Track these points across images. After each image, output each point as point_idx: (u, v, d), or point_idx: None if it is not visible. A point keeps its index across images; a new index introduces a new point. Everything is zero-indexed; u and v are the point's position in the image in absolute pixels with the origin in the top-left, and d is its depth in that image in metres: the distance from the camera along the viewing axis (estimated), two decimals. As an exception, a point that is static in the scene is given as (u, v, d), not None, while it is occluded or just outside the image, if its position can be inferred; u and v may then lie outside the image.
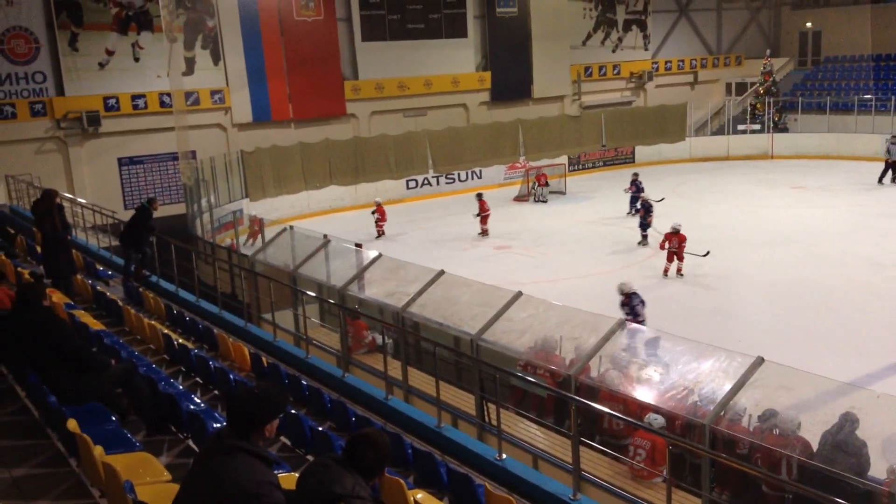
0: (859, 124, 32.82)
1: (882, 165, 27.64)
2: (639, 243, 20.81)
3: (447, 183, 30.19)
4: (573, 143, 31.76)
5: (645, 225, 20.84)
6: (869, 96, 34.23)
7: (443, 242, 21.56)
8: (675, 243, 17.88)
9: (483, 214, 22.53)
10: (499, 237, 22.49)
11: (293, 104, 28.96)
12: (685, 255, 18.14)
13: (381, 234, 22.96)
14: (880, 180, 27.47)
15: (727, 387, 7.56)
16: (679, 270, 18.03)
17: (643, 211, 21.03)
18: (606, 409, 8.23)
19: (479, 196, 22.95)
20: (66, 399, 6.59)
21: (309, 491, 4.00)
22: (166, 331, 10.41)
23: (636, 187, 23.67)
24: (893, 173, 27.42)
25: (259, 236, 21.06)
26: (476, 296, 11.85)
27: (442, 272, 11.32)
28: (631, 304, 13.61)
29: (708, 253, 18.71)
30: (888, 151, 27.55)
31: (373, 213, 23.30)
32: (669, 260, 17.98)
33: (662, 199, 22.76)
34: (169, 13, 25.09)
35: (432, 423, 8.87)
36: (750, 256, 19.28)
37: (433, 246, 21.41)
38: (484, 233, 22.58)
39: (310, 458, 7.20)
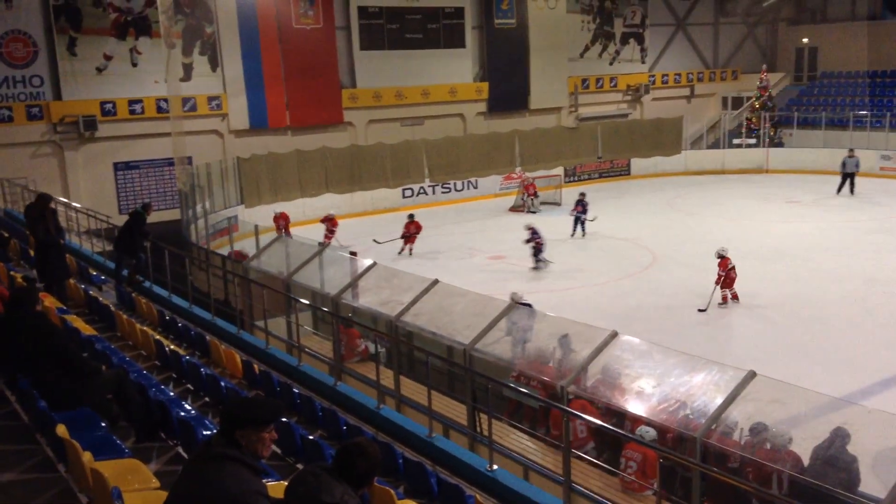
0: (854, 140, 32.91)
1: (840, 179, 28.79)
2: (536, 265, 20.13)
3: (443, 192, 30.23)
4: (569, 155, 31.85)
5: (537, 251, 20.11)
6: (864, 112, 34.34)
7: (438, 252, 21.57)
8: (724, 269, 16.57)
9: (406, 234, 21.98)
10: (493, 248, 22.50)
11: (290, 111, 28.98)
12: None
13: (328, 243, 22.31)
14: (838, 192, 28.50)
15: (719, 400, 7.56)
16: (733, 297, 16.75)
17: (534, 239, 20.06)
18: (598, 421, 8.23)
19: (411, 217, 22.44)
20: (56, 404, 6.56)
21: (297, 500, 3.98)
22: (158, 337, 10.38)
23: (582, 207, 23.06)
24: (850, 184, 28.49)
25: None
26: (470, 305, 11.85)
27: (436, 281, 11.32)
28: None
29: (595, 218, 20.16)
30: (843, 165, 28.67)
31: (323, 221, 23.15)
32: (722, 285, 16.64)
33: (595, 219, 22.95)
34: (168, 19, 25.11)
35: (424, 433, 8.85)
36: (744, 270, 19.21)
37: (428, 255, 21.42)
38: (403, 251, 21.93)
39: (300, 466, 7.17)
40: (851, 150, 29.29)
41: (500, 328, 9.93)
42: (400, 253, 21.73)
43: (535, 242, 20.04)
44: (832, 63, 39.15)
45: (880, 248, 21.00)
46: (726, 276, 16.55)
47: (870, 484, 7.18)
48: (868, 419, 7.68)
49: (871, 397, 11.79)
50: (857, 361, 13.58)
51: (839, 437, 7.42)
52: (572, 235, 23.17)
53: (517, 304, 13.62)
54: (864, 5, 38.42)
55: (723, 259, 16.67)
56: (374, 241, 22.14)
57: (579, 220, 23.12)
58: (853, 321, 15.64)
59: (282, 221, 22.67)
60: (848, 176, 28.59)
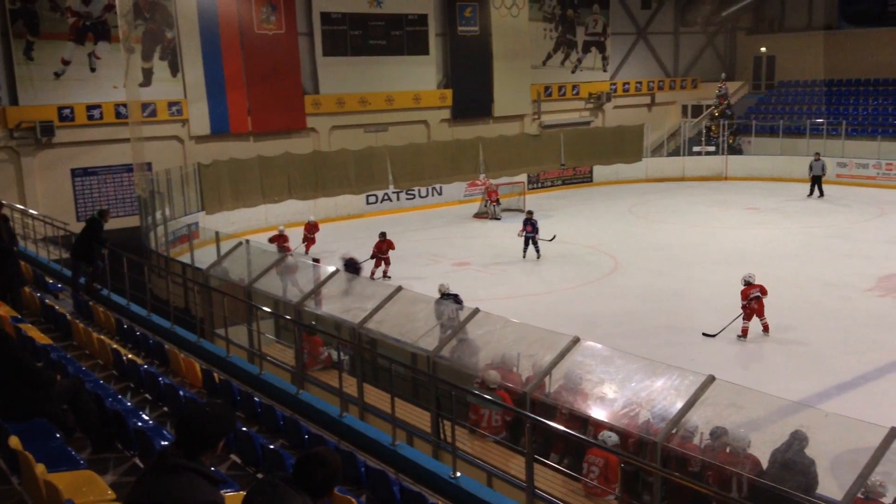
0: (811, 147, 33.55)
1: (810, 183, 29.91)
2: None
3: (408, 199, 30.19)
4: (532, 162, 32.04)
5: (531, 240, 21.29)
6: (821, 120, 35.05)
7: (402, 259, 21.48)
8: (750, 296, 15.08)
9: (378, 256, 20.05)
10: (458, 254, 22.51)
11: (252, 117, 28.76)
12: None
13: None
14: (809, 195, 29.55)
15: (679, 405, 7.62)
16: (744, 331, 15.12)
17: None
18: (561, 427, 8.26)
19: (383, 236, 20.31)
20: (10, 415, 6.42)
21: (256, 510, 3.92)
22: (116, 346, 10.21)
23: (532, 227, 21.49)
24: (819, 188, 29.53)
25: (312, 245, 21.87)
26: (434, 312, 11.84)
27: (399, 288, 11.28)
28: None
29: (554, 237, 19.38)
30: (811, 168, 29.77)
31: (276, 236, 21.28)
32: (747, 318, 15.10)
33: (553, 238, 21.87)
34: (127, 23, 24.78)
35: (387, 440, 8.80)
36: (704, 276, 19.55)
37: (392, 262, 21.33)
38: (374, 274, 19.94)
39: (260, 476, 7.09)
40: (817, 154, 30.20)
41: (431, 319, 9.87)
42: (372, 276, 19.58)
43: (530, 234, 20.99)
44: (789, 72, 39.91)
45: (836, 253, 21.41)
46: (747, 307, 15.05)
47: (827, 486, 7.29)
48: (825, 422, 7.80)
49: (828, 401, 12.00)
50: (815, 365, 13.81)
51: (797, 440, 7.53)
52: (524, 257, 21.58)
53: (444, 294, 13.88)
54: (820, 15, 39.24)
55: (746, 286, 15.15)
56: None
57: (530, 241, 21.49)
58: (811, 326, 15.91)
59: (283, 241, 21.26)
60: (816, 179, 29.57)
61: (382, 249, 20.11)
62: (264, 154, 26.90)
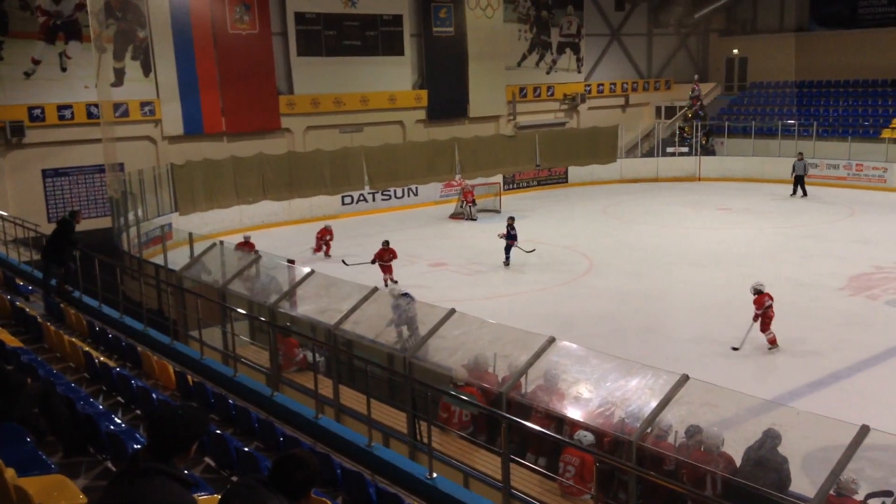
0: (783, 148, 33.98)
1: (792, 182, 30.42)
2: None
3: (383, 199, 30.14)
4: (508, 163, 32.10)
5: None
6: (792, 121, 35.46)
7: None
8: (765, 304, 14.55)
9: (381, 262, 19.32)
10: (434, 255, 22.51)
11: (226, 117, 28.55)
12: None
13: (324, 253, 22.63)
14: (793, 194, 30.09)
15: (653, 404, 7.68)
16: (770, 341, 14.53)
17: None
18: (537, 427, 8.28)
19: (386, 244, 19.60)
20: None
21: (232, 513, 3.89)
22: (87, 348, 10.09)
23: (508, 234, 20.97)
24: (801, 188, 30.04)
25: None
26: (392, 313, 11.81)
27: (375, 289, 11.27)
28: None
29: (533, 250, 19.06)
30: (794, 168, 30.26)
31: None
32: (765, 327, 14.57)
33: (533, 251, 21.18)
34: (98, 23, 24.49)
35: (363, 442, 8.77)
36: (678, 276, 19.70)
37: (368, 263, 21.27)
38: (387, 281, 19.12)
39: (235, 479, 7.03)
40: (800, 154, 30.72)
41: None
42: (387, 286, 18.28)
43: (508, 240, 20.69)
44: (761, 73, 40.34)
45: (808, 253, 21.66)
46: (763, 316, 14.47)
47: (800, 484, 7.37)
48: (797, 421, 7.89)
49: (800, 399, 12.13)
50: (788, 364, 13.96)
51: (770, 438, 7.60)
52: (507, 265, 20.96)
53: (399, 295, 13.63)
54: (792, 17, 39.71)
55: (759, 295, 14.60)
56: (343, 261, 20.92)
57: (510, 249, 21.01)
58: (783, 325, 16.05)
59: (328, 236, 22.68)
60: (799, 178, 30.11)
61: (383, 258, 19.29)
62: (238, 154, 26.72)
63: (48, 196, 25.70)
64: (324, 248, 22.76)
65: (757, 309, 14.53)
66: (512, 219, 21.65)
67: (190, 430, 3.84)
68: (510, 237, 20.99)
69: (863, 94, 36.74)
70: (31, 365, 8.54)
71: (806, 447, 7.93)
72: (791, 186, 30.31)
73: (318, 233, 23.03)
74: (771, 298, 14.60)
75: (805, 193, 29.99)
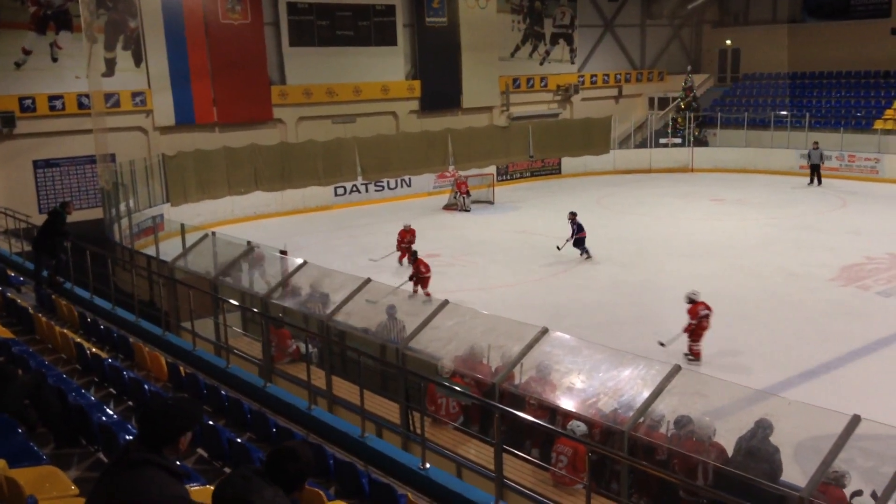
0: (775, 139, 34.05)
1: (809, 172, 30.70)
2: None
3: (376, 190, 30.09)
4: (501, 154, 32.04)
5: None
6: (784, 112, 35.49)
7: (371, 250, 21.43)
8: (699, 313, 13.60)
9: (420, 276, 17.34)
10: (428, 246, 22.46)
11: (218, 108, 28.41)
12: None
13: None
14: (810, 183, 30.34)
15: (645, 394, 7.69)
16: (694, 354, 13.66)
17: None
18: (529, 417, 8.29)
19: (415, 254, 18.14)
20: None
21: (226, 502, 3.88)
22: (79, 340, 10.07)
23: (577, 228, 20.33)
24: (817, 177, 30.32)
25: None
26: (402, 304, 11.82)
27: (368, 280, 11.25)
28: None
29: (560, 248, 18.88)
30: (809, 157, 30.63)
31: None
32: (696, 338, 13.72)
33: (560, 248, 20.19)
34: (89, 13, 24.30)
35: (356, 433, 8.78)
36: (670, 267, 19.73)
37: (361, 254, 21.27)
38: (418, 293, 17.01)
39: (227, 470, 7.03)
40: (816, 143, 30.92)
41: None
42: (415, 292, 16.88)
43: (579, 236, 20.04)
44: (754, 65, 40.35)
45: (800, 244, 21.71)
46: (698, 326, 13.59)
47: (791, 473, 7.40)
48: (789, 410, 7.91)
49: (792, 389, 12.17)
50: (779, 355, 14.01)
51: (762, 428, 7.63)
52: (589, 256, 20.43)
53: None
54: (784, 9, 39.68)
55: (693, 304, 13.68)
56: (371, 259, 20.27)
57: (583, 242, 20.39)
58: (775, 316, 16.13)
59: (408, 237, 20.27)
60: (814, 167, 30.37)
61: (421, 270, 17.43)
62: (230, 145, 26.62)
63: (39, 187, 25.57)
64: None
65: (691, 319, 13.49)
66: (573, 214, 20.61)
67: (178, 422, 3.82)
68: (578, 231, 20.23)
69: (855, 85, 36.79)
70: (23, 356, 8.51)
71: (797, 437, 7.96)
72: (808, 176, 30.52)
73: (399, 235, 20.56)
74: (708, 308, 13.55)
75: (819, 182, 30.19)
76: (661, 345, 13.65)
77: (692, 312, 13.58)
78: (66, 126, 25.52)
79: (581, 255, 20.47)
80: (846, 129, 33.18)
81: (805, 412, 7.70)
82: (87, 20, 24.15)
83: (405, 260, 19.69)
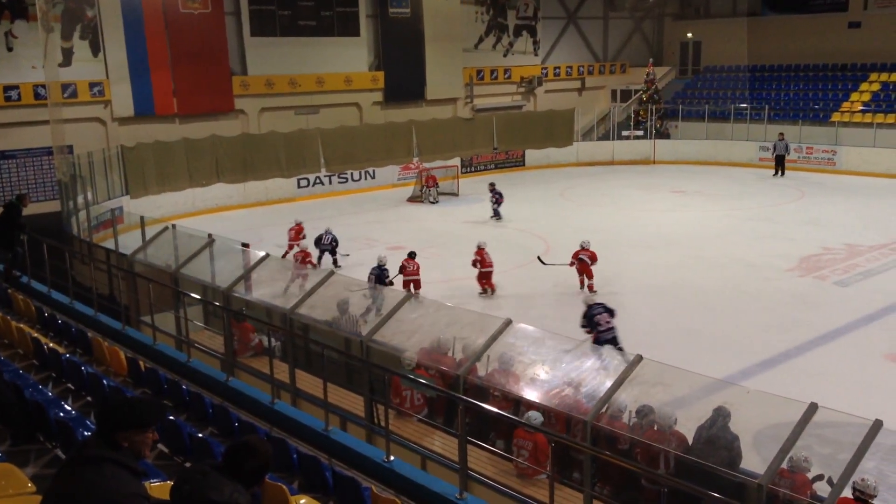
0: (735, 132, 34.50)
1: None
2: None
3: (340, 182, 29.93)
4: (465, 146, 32.08)
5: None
6: (744, 105, 35.99)
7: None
8: (580, 257, 17.06)
9: (485, 270, 17.42)
10: (392, 238, 22.42)
11: (178, 98, 28.02)
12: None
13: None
14: (775, 174, 30.92)
15: (608, 384, 7.76)
16: (487, 286, 17.11)
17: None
18: (494, 409, 8.31)
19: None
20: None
21: (184, 499, 3.84)
22: (36, 334, 9.89)
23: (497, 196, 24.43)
24: (781, 168, 30.93)
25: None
26: (366, 297, 11.78)
27: (332, 273, 11.21)
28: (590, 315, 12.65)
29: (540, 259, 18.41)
30: (774, 147, 31.19)
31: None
32: (580, 273, 17.31)
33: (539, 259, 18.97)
34: (45, 2, 23.81)
35: (320, 426, 8.73)
36: (633, 258, 19.91)
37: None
38: (487, 289, 17.35)
39: (189, 465, 6.95)
40: (781, 134, 31.41)
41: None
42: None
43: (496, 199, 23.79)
44: (715, 57, 40.81)
45: (758, 235, 22.04)
46: (574, 265, 17.21)
47: (751, 461, 7.52)
48: (747, 399, 8.03)
49: (751, 378, 12.36)
50: (738, 344, 14.22)
51: (721, 416, 7.73)
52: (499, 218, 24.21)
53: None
54: (744, 2, 40.17)
55: (580, 249, 17.22)
56: (540, 261, 19.25)
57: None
58: (735, 306, 16.36)
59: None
60: (779, 158, 30.90)
61: (486, 262, 17.48)
62: (191, 136, 26.28)
63: (-6, 179, 25.04)
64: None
65: (573, 258, 17.19)
66: (493, 184, 24.81)
67: (137, 415, 3.76)
68: (500, 198, 24.08)
69: (813, 78, 37.37)
70: (-23, 352, 8.34)
71: (756, 425, 8.09)
72: (772, 168, 31.09)
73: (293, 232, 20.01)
74: (592, 258, 17.15)
75: (783, 173, 30.72)
76: (541, 260, 17.64)
77: (574, 255, 17.19)
78: (22, 117, 24.99)
79: (492, 217, 24.00)
80: (804, 122, 33.71)
81: (764, 400, 7.83)
82: (42, 9, 23.66)
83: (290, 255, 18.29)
